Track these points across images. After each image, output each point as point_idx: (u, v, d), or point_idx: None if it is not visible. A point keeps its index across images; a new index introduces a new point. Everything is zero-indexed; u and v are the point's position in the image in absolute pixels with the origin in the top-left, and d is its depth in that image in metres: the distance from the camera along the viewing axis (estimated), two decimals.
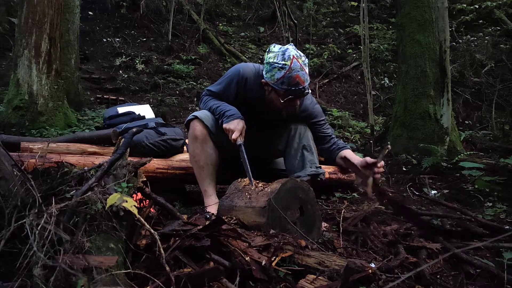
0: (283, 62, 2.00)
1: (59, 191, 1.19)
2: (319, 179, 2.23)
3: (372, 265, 1.30)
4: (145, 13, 9.90)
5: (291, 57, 2.01)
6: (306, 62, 2.08)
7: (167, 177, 2.39)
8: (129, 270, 1.06)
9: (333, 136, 2.41)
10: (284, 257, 1.36)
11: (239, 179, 1.98)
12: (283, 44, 2.18)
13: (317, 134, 2.36)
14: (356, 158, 2.19)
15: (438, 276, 1.60)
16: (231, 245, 1.34)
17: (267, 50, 2.14)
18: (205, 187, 2.18)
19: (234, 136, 2.04)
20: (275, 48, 2.09)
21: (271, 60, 2.05)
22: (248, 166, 2.01)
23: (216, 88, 2.28)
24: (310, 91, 2.20)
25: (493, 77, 6.71)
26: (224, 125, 2.09)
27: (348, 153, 2.31)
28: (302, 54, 2.08)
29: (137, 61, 8.18)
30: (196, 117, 2.18)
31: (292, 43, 2.17)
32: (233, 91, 2.22)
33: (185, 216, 1.51)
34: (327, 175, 2.77)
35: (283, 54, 2.03)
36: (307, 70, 2.07)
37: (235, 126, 2.06)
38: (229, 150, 2.23)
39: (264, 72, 2.12)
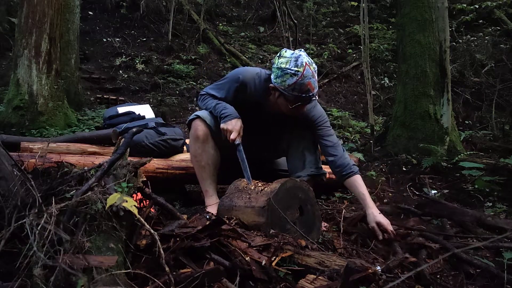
0: (296, 69, 1.96)
1: (59, 191, 1.19)
2: (319, 179, 2.23)
3: (378, 268, 1.28)
4: (145, 13, 9.88)
5: (304, 64, 1.97)
6: (316, 69, 2.04)
7: (167, 177, 2.39)
8: (129, 270, 1.06)
9: (338, 145, 2.22)
10: (284, 257, 1.36)
11: (239, 179, 1.98)
12: (285, 45, 2.18)
13: (321, 141, 2.23)
14: (363, 196, 2.07)
15: (438, 276, 1.60)
16: (231, 245, 1.34)
17: (278, 54, 2.08)
18: (206, 187, 2.18)
19: (232, 136, 2.04)
20: (287, 53, 2.04)
21: (283, 66, 2.00)
22: (247, 166, 2.01)
23: (214, 91, 2.23)
24: (317, 98, 2.12)
25: (493, 77, 6.70)
26: (222, 125, 2.08)
27: (356, 182, 2.12)
28: (312, 61, 2.05)
29: (137, 61, 8.18)
30: (198, 117, 2.17)
31: (302, 49, 2.11)
32: (232, 96, 2.19)
33: (185, 216, 1.50)
34: (327, 175, 2.77)
35: (296, 60, 1.98)
36: (316, 77, 2.04)
37: (233, 126, 2.05)
38: (230, 150, 2.21)
39: (273, 77, 2.07)
